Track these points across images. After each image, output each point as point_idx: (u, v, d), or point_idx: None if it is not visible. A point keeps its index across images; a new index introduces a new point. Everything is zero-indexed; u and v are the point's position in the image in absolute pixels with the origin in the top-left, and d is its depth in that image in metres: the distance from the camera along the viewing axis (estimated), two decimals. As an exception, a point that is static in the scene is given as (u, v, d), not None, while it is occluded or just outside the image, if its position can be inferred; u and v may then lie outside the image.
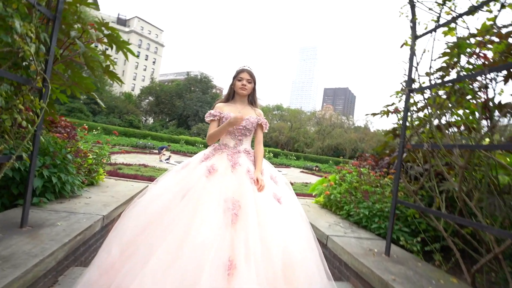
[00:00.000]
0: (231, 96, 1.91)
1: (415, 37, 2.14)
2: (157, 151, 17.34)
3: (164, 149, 15.74)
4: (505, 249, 1.57)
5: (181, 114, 44.96)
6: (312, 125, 55.44)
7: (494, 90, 1.77)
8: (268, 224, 1.42)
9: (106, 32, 2.08)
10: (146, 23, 65.53)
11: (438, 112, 1.91)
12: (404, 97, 3.13)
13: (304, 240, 1.55)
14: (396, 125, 3.11)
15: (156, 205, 1.49)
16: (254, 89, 1.91)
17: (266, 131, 1.91)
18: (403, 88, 2.20)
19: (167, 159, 14.32)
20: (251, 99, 1.92)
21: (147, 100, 47.68)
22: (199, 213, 1.39)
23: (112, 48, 2.29)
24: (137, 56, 2.66)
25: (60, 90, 2.75)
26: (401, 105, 3.15)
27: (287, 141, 49.31)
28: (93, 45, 2.49)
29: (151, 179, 8.88)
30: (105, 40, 2.16)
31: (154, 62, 67.39)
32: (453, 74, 2.15)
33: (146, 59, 65.23)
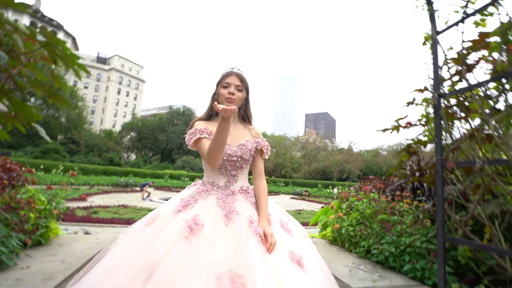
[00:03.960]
0: (214, 111, 1.35)
1: (436, 31, 1.77)
2: (139, 189, 16.24)
3: (147, 185, 14.78)
4: None
5: (164, 148, 43.88)
6: (297, 150, 55.73)
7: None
8: None
9: (41, 38, 1.54)
10: (127, 61, 66.16)
11: (494, 117, 1.46)
12: (415, 105, 2.74)
13: None
14: (411, 142, 2.68)
15: None
16: (246, 100, 1.37)
17: (268, 156, 1.37)
18: (432, 94, 1.77)
19: (147, 196, 13.34)
20: (244, 114, 1.38)
21: (129, 136, 46.48)
22: None
23: (57, 65, 1.75)
24: (90, 74, 2.15)
25: (-1, 125, 2.15)
26: (413, 118, 2.76)
27: (274, 168, 48.78)
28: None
29: (130, 221, 7.97)
30: (45, 52, 1.61)
31: (135, 98, 67.04)
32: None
33: (127, 95, 64.84)
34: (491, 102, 1.63)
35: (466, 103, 1.88)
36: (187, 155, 39.41)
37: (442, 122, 1.76)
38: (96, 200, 11.73)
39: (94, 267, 1.00)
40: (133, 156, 48.17)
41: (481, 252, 1.88)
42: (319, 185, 34.70)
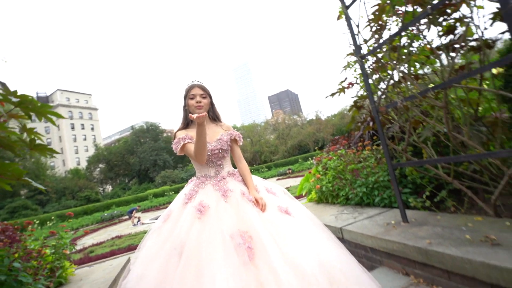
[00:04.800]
0: (190, 119, 1.65)
1: (345, 6, 2.16)
2: (127, 217, 15.89)
3: (134, 211, 14.52)
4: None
5: (139, 170, 42.48)
6: (270, 133, 56.61)
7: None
8: (290, 244, 1.19)
9: (14, 100, 1.70)
10: (71, 92, 61.87)
11: (398, 65, 1.90)
12: (348, 68, 3.19)
13: (331, 244, 1.34)
14: (356, 98, 3.13)
15: (150, 278, 1.15)
16: (212, 104, 1.69)
17: (242, 143, 1.70)
18: (356, 57, 2.18)
19: (138, 221, 13.16)
20: (213, 115, 1.70)
21: (98, 169, 44.21)
22: (208, 267, 1.10)
23: (30, 119, 1.90)
24: (63, 117, 2.25)
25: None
26: (352, 79, 3.22)
27: (253, 157, 49.47)
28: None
29: (131, 247, 7.96)
30: (20, 112, 1.76)
31: (92, 128, 63.30)
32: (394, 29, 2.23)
33: (82, 128, 61.06)
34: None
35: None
36: (165, 169, 38.60)
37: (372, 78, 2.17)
38: (87, 241, 11.38)
39: (135, 263, 1.27)
40: (109, 188, 46.08)
41: (428, 170, 2.39)
42: (300, 160, 35.87)
